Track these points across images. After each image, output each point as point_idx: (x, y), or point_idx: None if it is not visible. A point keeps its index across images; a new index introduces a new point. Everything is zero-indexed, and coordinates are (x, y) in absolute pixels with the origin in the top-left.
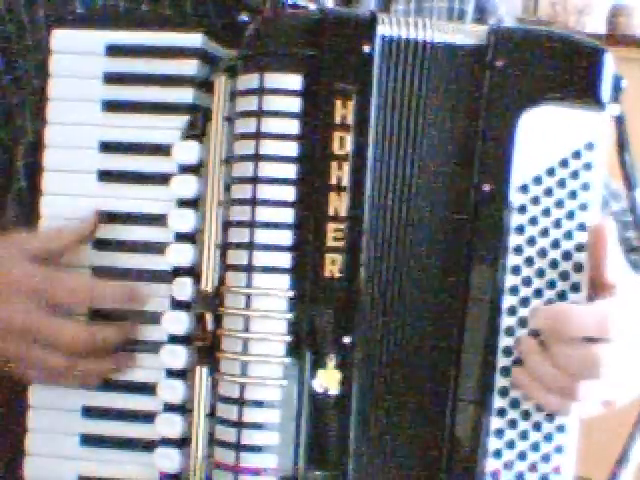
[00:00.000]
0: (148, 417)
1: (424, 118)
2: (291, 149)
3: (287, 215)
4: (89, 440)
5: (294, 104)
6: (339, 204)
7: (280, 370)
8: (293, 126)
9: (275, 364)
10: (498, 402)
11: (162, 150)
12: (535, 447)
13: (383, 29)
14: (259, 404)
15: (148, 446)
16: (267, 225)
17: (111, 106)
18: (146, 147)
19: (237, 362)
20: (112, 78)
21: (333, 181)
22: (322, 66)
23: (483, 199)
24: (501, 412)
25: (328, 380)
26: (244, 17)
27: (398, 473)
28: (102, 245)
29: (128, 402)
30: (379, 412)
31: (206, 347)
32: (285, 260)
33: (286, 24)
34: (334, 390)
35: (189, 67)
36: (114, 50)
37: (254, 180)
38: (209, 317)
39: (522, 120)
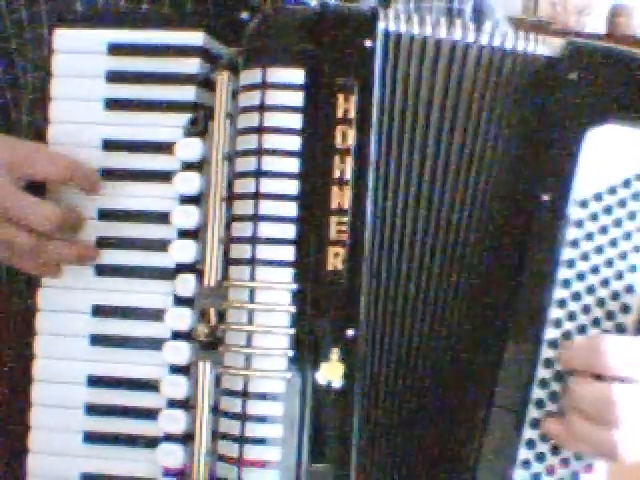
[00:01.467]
0: (151, 414)
1: (432, 115)
2: (294, 143)
3: (290, 209)
4: (92, 437)
5: (297, 98)
6: (342, 198)
7: (284, 363)
8: (296, 120)
9: (279, 357)
10: (533, 413)
11: (165, 148)
12: (565, 462)
13: (385, 24)
14: (263, 397)
15: (152, 443)
16: (270, 219)
17: (114, 104)
18: (149, 145)
19: (241, 355)
20: (114, 77)
21: (336, 175)
22: (324, 61)
23: (540, 208)
24: (534, 423)
25: (331, 373)
26: (244, 15)
27: (402, 468)
28: (105, 243)
29: (131, 399)
30: (383, 406)
31: (209, 342)
32: (288, 253)
33: (288, 19)
34: (337, 383)
35: (191, 65)
36: (116, 49)
37: (257, 174)
38: (212, 312)
39: (589, 135)
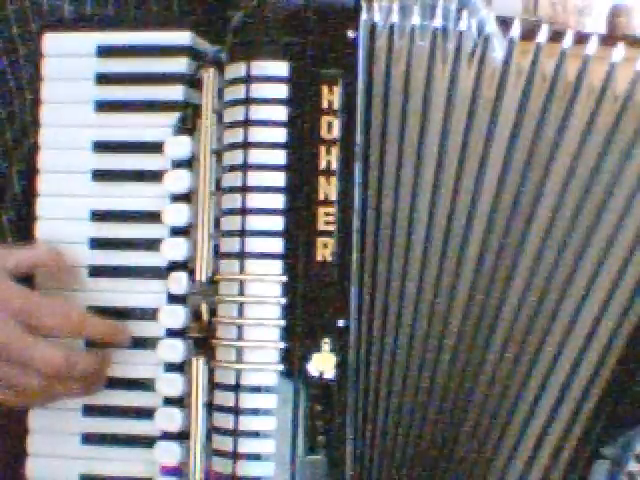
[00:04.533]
0: (148, 413)
1: (429, 105)
2: (280, 135)
3: (278, 201)
4: (90, 439)
5: (281, 91)
6: (329, 188)
7: (275, 355)
8: (281, 112)
9: (270, 349)
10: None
11: (155, 147)
12: None
13: (369, 15)
14: (255, 389)
15: (149, 442)
16: (258, 211)
17: (103, 106)
18: (139, 145)
19: (232, 349)
20: (103, 78)
21: (322, 166)
22: (308, 53)
23: None
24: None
25: (323, 364)
26: (232, 13)
27: (396, 459)
28: (98, 244)
29: (128, 399)
30: (376, 396)
31: (202, 338)
32: (277, 245)
33: (271, 12)
34: (329, 374)
35: (179, 65)
36: (105, 51)
37: (244, 167)
38: (204, 307)
39: None
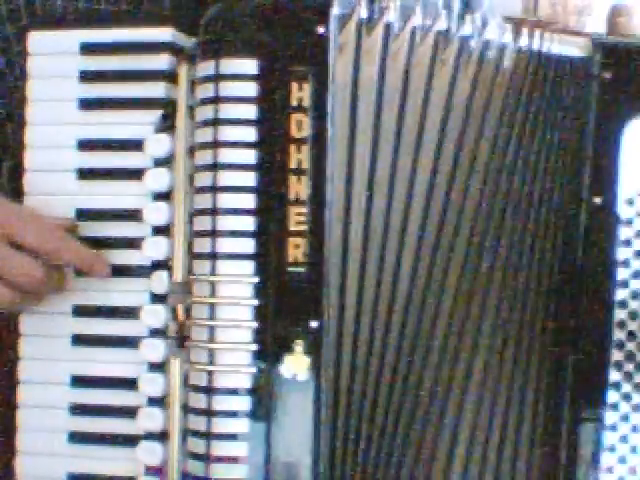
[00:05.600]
0: (134, 412)
1: (407, 103)
2: (249, 134)
3: (249, 201)
4: (77, 437)
5: (250, 89)
6: (300, 187)
7: (248, 357)
8: (250, 111)
9: (242, 351)
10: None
11: (138, 145)
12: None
13: (340, 10)
14: (228, 392)
15: (134, 441)
16: (229, 212)
17: (87, 104)
18: (123, 143)
19: (205, 350)
20: (87, 76)
21: (293, 164)
22: (278, 49)
23: (593, 211)
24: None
25: (296, 366)
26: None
27: (370, 461)
28: (82, 243)
29: (114, 398)
30: (350, 399)
31: (180, 338)
32: (248, 246)
33: (241, 9)
34: (303, 376)
35: (160, 62)
36: (88, 48)
37: (214, 167)
38: (180, 308)
39: (627, 130)
